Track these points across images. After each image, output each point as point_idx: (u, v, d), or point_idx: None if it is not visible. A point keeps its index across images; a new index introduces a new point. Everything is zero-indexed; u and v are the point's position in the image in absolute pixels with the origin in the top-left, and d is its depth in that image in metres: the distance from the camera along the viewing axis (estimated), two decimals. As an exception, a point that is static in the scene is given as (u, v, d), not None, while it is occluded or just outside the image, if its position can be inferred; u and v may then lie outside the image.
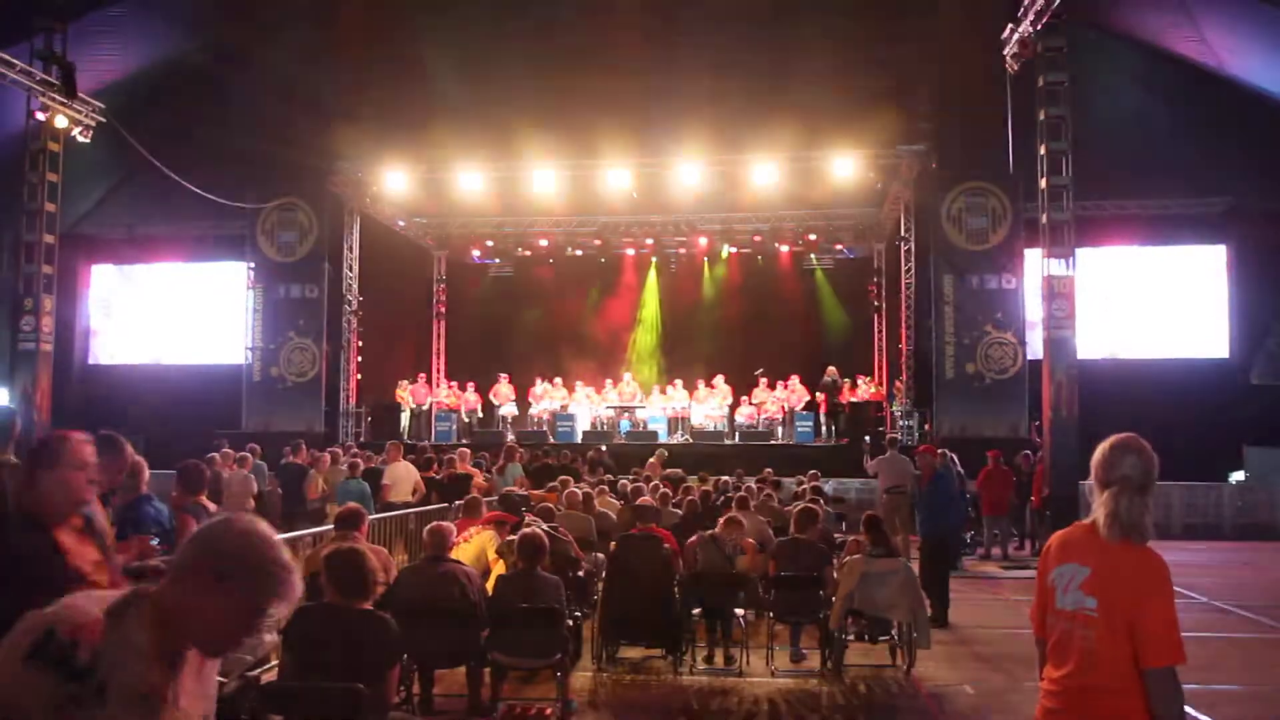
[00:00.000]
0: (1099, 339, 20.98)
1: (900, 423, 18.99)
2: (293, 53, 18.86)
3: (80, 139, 16.37)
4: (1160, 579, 2.69)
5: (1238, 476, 18.19)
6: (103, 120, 16.54)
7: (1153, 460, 2.78)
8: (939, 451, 10.97)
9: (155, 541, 5.31)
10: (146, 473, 6.59)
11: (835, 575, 7.40)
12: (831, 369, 19.83)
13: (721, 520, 7.93)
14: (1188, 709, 5.76)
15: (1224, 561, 14.33)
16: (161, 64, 19.53)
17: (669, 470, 14.14)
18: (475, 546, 7.18)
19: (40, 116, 15.81)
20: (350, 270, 20.25)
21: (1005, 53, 15.06)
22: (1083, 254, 16.41)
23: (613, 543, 7.97)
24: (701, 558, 7.65)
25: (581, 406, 20.49)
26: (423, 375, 22.08)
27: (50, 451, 2.62)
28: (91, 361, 24.18)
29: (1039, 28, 14.18)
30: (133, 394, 21.82)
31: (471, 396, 21.13)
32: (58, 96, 15.64)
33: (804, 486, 12.08)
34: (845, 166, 17.90)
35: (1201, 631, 8.76)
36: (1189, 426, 16.85)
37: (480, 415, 21.11)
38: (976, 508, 14.24)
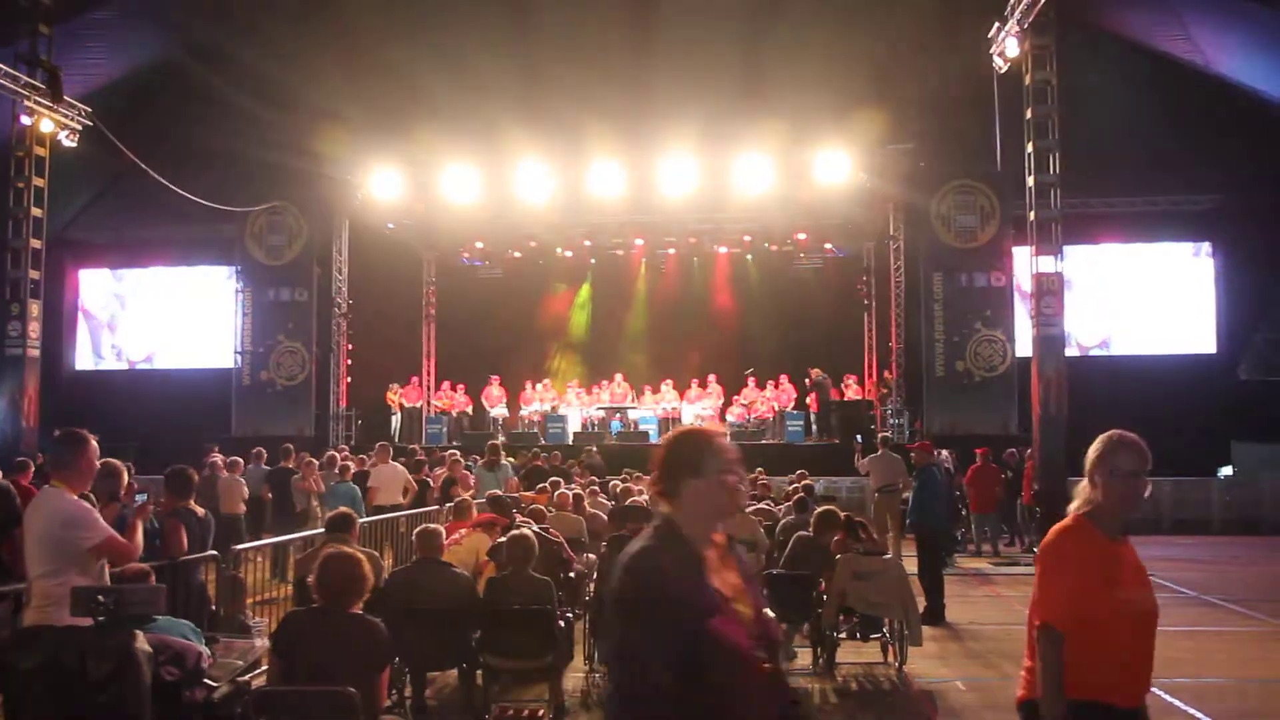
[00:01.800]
0: (1088, 336, 21.11)
1: (891, 421, 19.02)
2: (279, 56, 18.80)
3: (67, 143, 16.28)
4: (1047, 546, 2.99)
5: (1226, 471, 18.33)
6: (89, 124, 16.43)
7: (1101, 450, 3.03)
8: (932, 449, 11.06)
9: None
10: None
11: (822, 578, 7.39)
12: (815, 370, 19.80)
13: None
14: (1179, 703, 5.80)
15: (1212, 556, 14.40)
16: (148, 68, 19.44)
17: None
18: (468, 549, 7.16)
19: (26, 121, 15.72)
20: (340, 273, 20.18)
21: (992, 51, 15.12)
22: (1071, 251, 16.48)
23: (604, 543, 7.96)
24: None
25: (572, 407, 20.47)
26: (414, 378, 22.02)
27: (695, 456, 2.21)
28: (80, 367, 24.07)
29: (1025, 26, 14.24)
30: (122, 399, 21.73)
31: (461, 398, 21.10)
32: (43, 101, 15.54)
33: (794, 486, 12.09)
34: (833, 166, 17.91)
35: (1190, 625, 8.77)
36: (1177, 422, 16.96)
37: (471, 416, 21.08)
38: (965, 505, 14.29)
